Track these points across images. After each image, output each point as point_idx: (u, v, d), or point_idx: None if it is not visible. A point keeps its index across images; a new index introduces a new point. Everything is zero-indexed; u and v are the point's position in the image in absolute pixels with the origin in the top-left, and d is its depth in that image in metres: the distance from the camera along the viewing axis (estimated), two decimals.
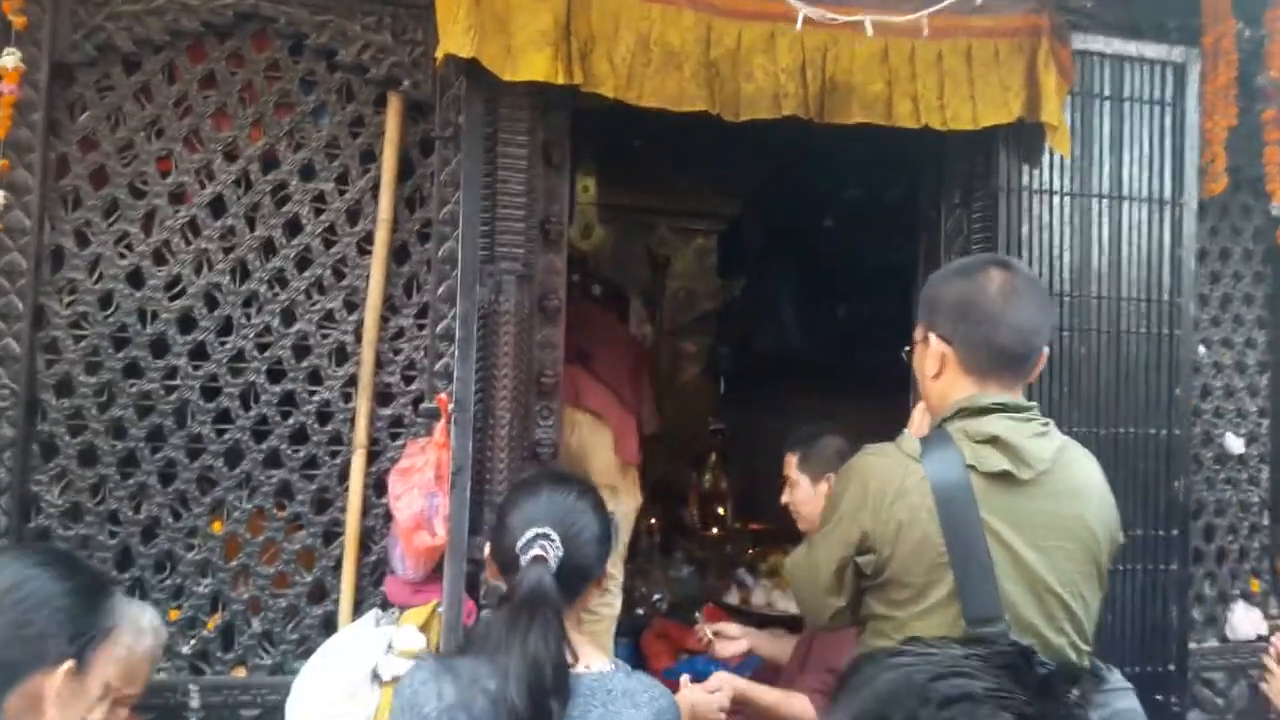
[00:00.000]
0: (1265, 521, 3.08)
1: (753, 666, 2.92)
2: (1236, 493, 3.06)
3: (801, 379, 4.89)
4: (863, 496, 1.67)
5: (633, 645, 3.67)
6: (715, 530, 4.66)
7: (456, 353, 2.29)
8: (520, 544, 1.52)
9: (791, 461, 2.64)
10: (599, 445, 3.28)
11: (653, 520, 4.54)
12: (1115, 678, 1.68)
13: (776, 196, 4.92)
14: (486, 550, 1.62)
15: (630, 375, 3.49)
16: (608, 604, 3.24)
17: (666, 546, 4.50)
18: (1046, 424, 1.70)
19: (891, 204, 4.24)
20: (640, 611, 3.90)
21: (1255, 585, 3.06)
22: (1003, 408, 1.66)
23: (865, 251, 4.46)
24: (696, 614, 3.08)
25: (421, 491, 2.28)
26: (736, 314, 5.27)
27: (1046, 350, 1.72)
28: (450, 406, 2.29)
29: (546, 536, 1.51)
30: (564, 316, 2.48)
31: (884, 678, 0.85)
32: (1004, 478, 1.62)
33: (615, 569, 3.39)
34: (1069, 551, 1.65)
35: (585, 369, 3.32)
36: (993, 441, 1.63)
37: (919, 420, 1.88)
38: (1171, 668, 2.58)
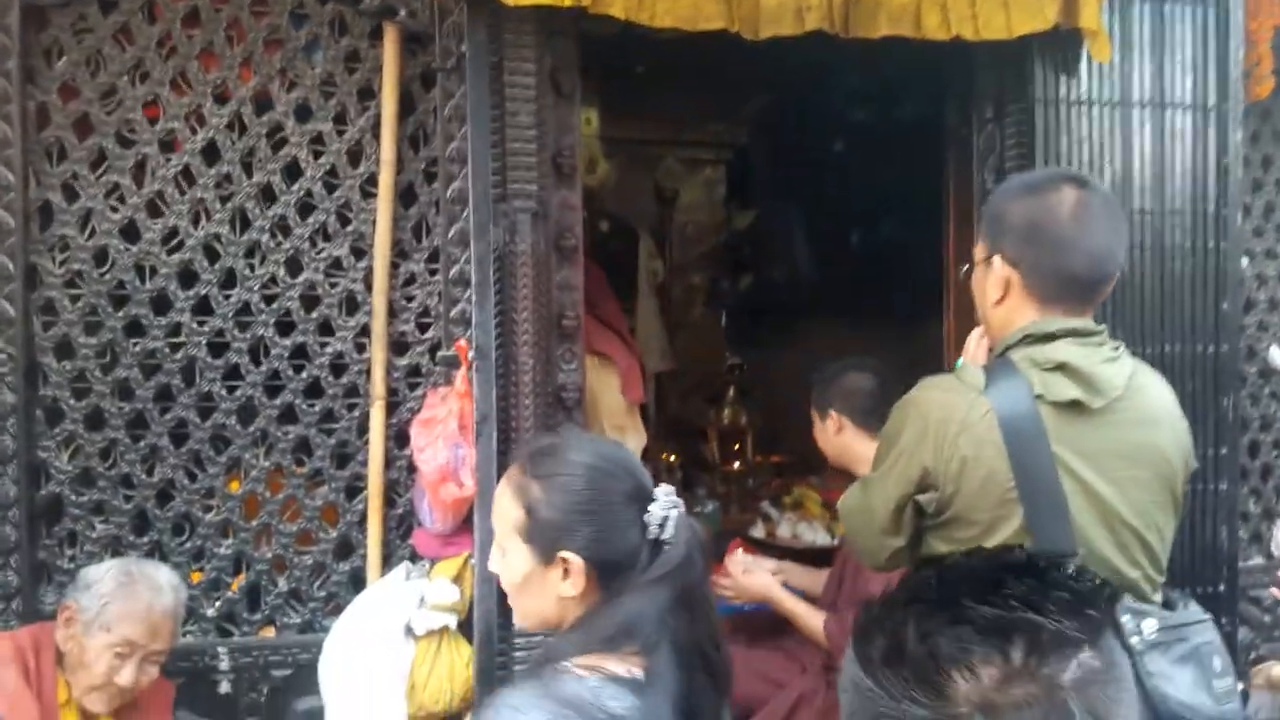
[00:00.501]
0: None
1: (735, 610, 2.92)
2: None
3: (817, 310, 4.81)
4: (923, 431, 1.58)
5: None
6: (737, 465, 4.61)
7: (474, 298, 2.24)
8: (657, 520, 1.28)
9: (811, 398, 2.67)
10: (607, 387, 3.26)
11: (672, 457, 4.49)
12: (1193, 610, 1.61)
13: (784, 122, 4.79)
14: (579, 564, 1.28)
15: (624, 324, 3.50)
16: None
17: (688, 483, 4.44)
18: (1117, 348, 1.61)
19: (906, 123, 4.10)
20: None
21: None
22: (1072, 332, 1.57)
23: (880, 175, 4.34)
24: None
25: (446, 443, 2.22)
26: (748, 245, 5.17)
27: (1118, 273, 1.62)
28: (470, 354, 2.24)
29: (669, 495, 1.30)
30: (581, 256, 2.40)
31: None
32: (1074, 407, 1.54)
33: None
34: (1143, 481, 1.57)
35: (588, 312, 3.27)
36: (1062, 369, 1.54)
37: (975, 348, 1.80)
38: (1221, 588, 2.53)
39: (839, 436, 2.62)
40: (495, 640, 2.22)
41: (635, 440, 3.39)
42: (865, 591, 2.34)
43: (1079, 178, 1.62)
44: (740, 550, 2.95)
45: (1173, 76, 2.56)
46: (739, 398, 4.73)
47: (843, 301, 4.64)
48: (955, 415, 1.55)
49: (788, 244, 4.98)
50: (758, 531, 3.92)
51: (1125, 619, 1.48)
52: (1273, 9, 2.59)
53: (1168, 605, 1.61)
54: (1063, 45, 2.47)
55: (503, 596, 2.23)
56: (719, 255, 5.29)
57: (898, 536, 1.64)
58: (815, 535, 3.86)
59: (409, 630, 2.20)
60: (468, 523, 2.26)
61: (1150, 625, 1.50)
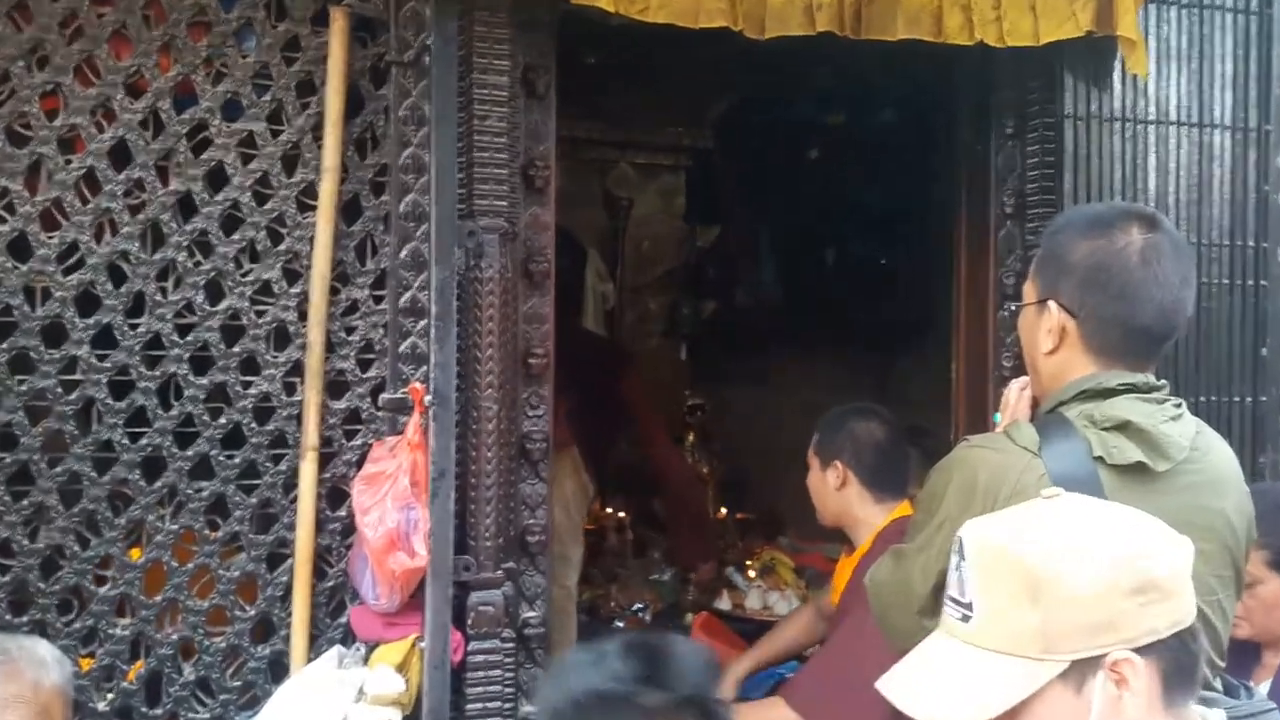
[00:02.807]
0: None
1: (776, 678, 2.99)
2: None
3: (790, 343, 4.91)
4: (969, 496, 1.63)
5: None
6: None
7: (433, 332, 2.23)
8: None
9: (812, 441, 2.72)
10: None
11: (620, 514, 4.52)
12: (1258, 698, 1.68)
13: (754, 126, 4.89)
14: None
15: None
16: (562, 585, 3.32)
17: (640, 545, 4.48)
18: (1180, 405, 1.69)
19: (893, 132, 4.24)
20: (620, 624, 3.89)
21: None
22: (1132, 388, 1.65)
23: (862, 189, 4.49)
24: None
25: (395, 503, 2.20)
26: (712, 266, 5.27)
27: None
28: (426, 398, 2.24)
29: None
30: (553, 282, 2.45)
31: None
32: (1137, 470, 1.61)
33: (569, 549, 3.50)
34: (1207, 554, 1.63)
35: None
36: (1123, 428, 1.61)
37: (1016, 401, 1.86)
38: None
39: (841, 492, 2.68)
40: None
41: (569, 485, 3.50)
42: (850, 668, 2.32)
43: (1148, 216, 1.70)
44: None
45: (1211, 93, 2.73)
46: (699, 443, 4.81)
47: (819, 333, 4.76)
48: (1007, 478, 1.59)
49: (757, 265, 5.10)
50: (723, 603, 3.98)
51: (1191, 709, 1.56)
52: None
53: (1229, 692, 1.67)
54: (1094, 56, 2.60)
55: (457, 686, 2.29)
56: (678, 277, 5.38)
57: (937, 618, 1.68)
58: (789, 606, 3.91)
59: None
60: (417, 598, 2.26)
61: (1218, 717, 1.58)
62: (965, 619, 1.24)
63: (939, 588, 1.61)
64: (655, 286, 5.37)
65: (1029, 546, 1.20)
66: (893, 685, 1.27)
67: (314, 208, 2.30)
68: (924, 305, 4.12)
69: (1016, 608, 1.19)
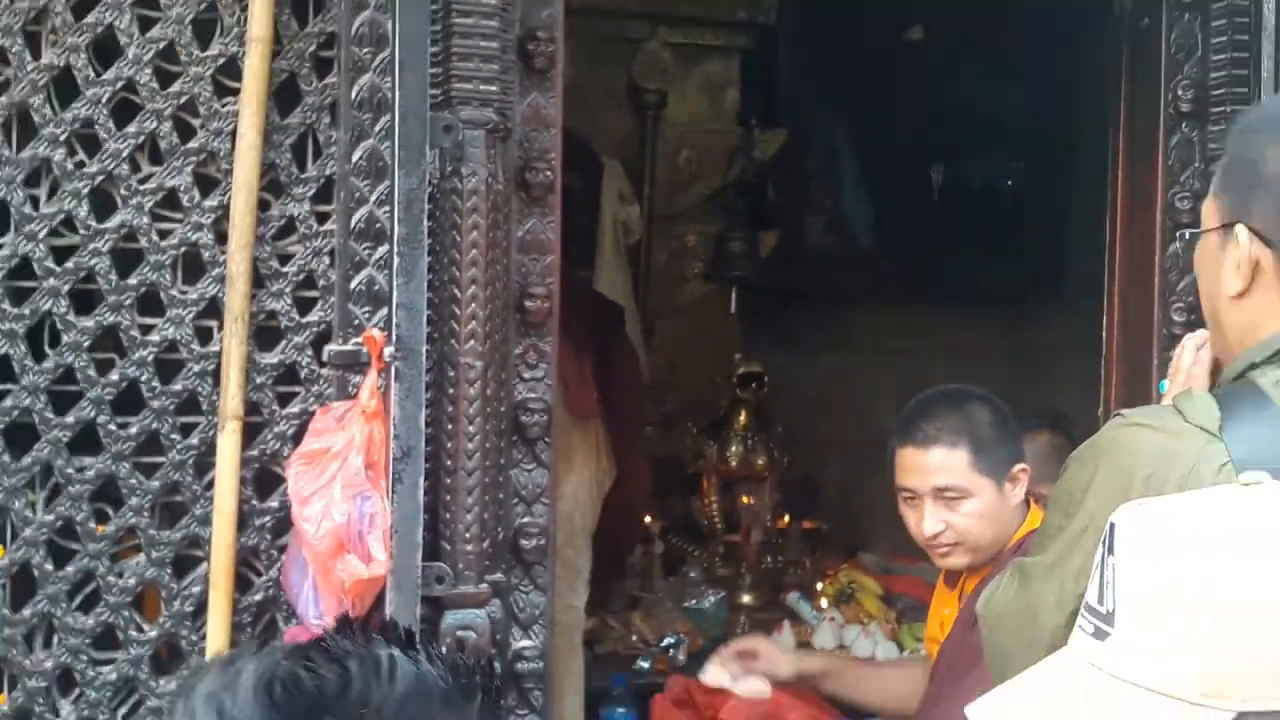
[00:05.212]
0: None
1: None
2: None
3: (878, 292, 4.88)
4: (1123, 490, 1.61)
5: (637, 717, 3.72)
6: (751, 533, 4.66)
7: (395, 263, 2.24)
8: None
9: (954, 458, 2.63)
10: None
11: (649, 519, 4.56)
12: None
13: None
14: None
15: (584, 320, 3.64)
16: (569, 606, 3.44)
17: (674, 561, 4.52)
18: None
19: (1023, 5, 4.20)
20: (644, 665, 3.94)
21: None
22: None
23: (981, 84, 4.44)
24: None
25: (345, 491, 2.22)
26: (775, 187, 5.19)
27: None
28: (387, 351, 2.24)
29: None
30: (559, 199, 2.47)
31: None
32: None
33: (580, 558, 3.62)
34: None
35: None
36: None
37: (1192, 363, 1.87)
38: None
39: (1018, 508, 2.70)
40: None
41: (587, 471, 3.65)
42: None
43: None
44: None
45: None
46: (755, 428, 4.78)
47: (920, 280, 4.73)
48: (1175, 468, 1.60)
49: (836, 187, 5.08)
50: (784, 639, 4.00)
51: None
52: None
53: None
54: None
55: None
56: (728, 201, 5.30)
57: None
58: (875, 647, 3.98)
59: None
60: (374, 619, 2.27)
61: None
62: (1101, 635, 1.20)
63: (1078, 613, 1.66)
64: (696, 213, 5.34)
65: (1212, 549, 1.16)
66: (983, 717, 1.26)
67: (237, 91, 2.30)
68: (1064, 243, 4.08)
69: (1179, 630, 1.14)
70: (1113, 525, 1.23)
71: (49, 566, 2.31)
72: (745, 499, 4.71)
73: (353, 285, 2.34)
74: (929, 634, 2.86)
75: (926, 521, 2.64)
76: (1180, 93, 2.74)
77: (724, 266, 5.33)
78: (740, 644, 3.09)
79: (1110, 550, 1.21)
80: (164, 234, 2.33)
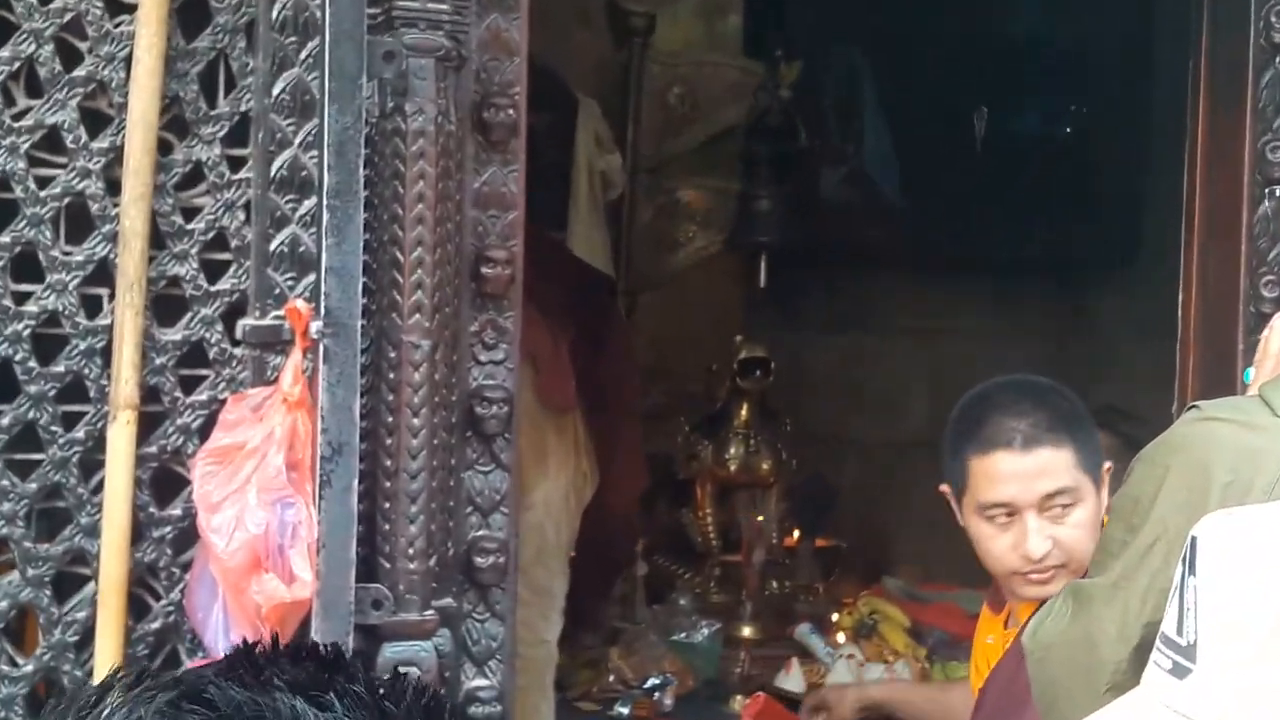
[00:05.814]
0: None
1: None
2: None
3: (908, 260, 4.81)
4: (1199, 498, 1.68)
5: None
6: (753, 553, 4.62)
7: (325, 219, 2.22)
8: None
9: (1060, 459, 2.47)
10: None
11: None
12: None
13: None
14: None
15: (560, 288, 3.72)
16: (540, 639, 3.51)
17: (660, 585, 4.47)
18: None
19: None
20: (624, 711, 3.90)
21: None
22: None
23: (1037, 13, 4.33)
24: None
25: (263, 497, 2.22)
26: (786, 131, 5.11)
27: None
28: (314, 327, 2.23)
29: None
30: (523, 143, 2.47)
31: None
32: None
33: (553, 581, 3.63)
34: None
35: None
36: None
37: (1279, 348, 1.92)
38: None
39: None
40: None
41: (564, 476, 3.67)
42: None
43: None
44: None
45: None
46: (758, 424, 4.73)
47: (959, 248, 4.63)
48: (1263, 469, 1.66)
49: (859, 133, 5.01)
50: (792, 681, 3.99)
51: None
52: None
53: None
54: None
55: None
56: (730, 149, 5.26)
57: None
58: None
59: None
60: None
61: None
62: (1180, 671, 1.21)
63: (1146, 642, 1.60)
64: (690, 163, 5.25)
65: None
66: None
67: (132, 8, 2.30)
68: (1132, 202, 3.96)
69: (1276, 667, 1.18)
70: (1194, 540, 1.25)
71: None
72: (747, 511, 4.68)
73: (272, 246, 2.35)
74: (973, 666, 2.80)
75: (1032, 539, 2.43)
76: (1274, 20, 2.67)
77: (748, 230, 5.21)
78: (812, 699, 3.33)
79: (1191, 570, 1.23)
80: (43, 182, 2.32)
